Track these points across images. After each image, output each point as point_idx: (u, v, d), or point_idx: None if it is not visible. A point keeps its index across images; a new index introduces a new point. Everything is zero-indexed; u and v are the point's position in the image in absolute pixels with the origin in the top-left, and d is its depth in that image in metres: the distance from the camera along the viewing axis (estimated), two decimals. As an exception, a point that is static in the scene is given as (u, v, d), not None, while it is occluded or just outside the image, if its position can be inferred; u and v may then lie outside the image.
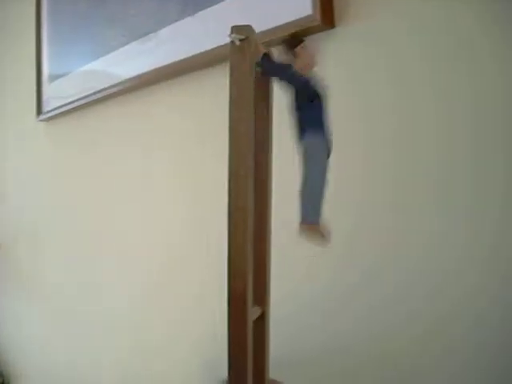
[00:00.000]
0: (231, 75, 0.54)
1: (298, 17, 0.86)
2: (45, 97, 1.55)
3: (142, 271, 1.21)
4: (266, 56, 0.60)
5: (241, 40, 0.54)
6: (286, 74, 0.59)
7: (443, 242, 0.71)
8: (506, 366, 0.66)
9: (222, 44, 0.97)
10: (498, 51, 0.67)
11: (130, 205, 1.26)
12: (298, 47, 0.59)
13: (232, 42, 0.55)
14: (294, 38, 0.61)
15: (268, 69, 0.61)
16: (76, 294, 1.43)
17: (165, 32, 1.12)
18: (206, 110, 1.06)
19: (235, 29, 0.55)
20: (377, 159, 0.79)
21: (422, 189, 0.74)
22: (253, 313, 0.55)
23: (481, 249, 0.68)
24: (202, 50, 1.02)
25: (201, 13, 1.04)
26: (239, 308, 0.51)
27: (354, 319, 0.80)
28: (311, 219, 0.55)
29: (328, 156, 0.58)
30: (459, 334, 0.70)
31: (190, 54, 1.04)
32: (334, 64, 0.85)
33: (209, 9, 1.02)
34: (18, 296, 1.74)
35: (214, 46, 0.99)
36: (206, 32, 1.03)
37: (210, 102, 1.05)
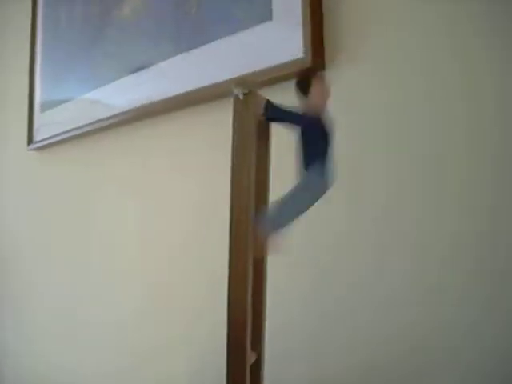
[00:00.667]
0: (234, 128, 0.57)
1: (289, 59, 0.89)
2: (36, 126, 1.56)
3: (142, 285, 1.21)
4: (269, 103, 0.62)
5: (244, 94, 0.56)
6: (292, 118, 0.61)
7: (430, 256, 0.74)
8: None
9: (214, 82, 1.01)
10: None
11: (128, 227, 1.27)
12: (313, 81, 0.60)
13: (236, 95, 0.57)
14: (305, 75, 0.62)
15: (273, 116, 0.62)
16: (72, 307, 1.42)
17: (159, 67, 1.15)
18: (195, 145, 1.08)
19: (238, 82, 0.57)
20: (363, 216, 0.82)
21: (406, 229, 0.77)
22: (249, 358, 0.57)
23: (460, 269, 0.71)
24: (196, 87, 1.05)
25: (195, 50, 1.07)
26: (238, 356, 0.53)
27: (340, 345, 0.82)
28: (270, 227, 0.59)
29: (322, 194, 0.60)
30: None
31: (184, 91, 1.07)
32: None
33: (202, 47, 1.05)
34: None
35: (207, 83, 1.02)
36: (198, 69, 1.06)
37: (201, 138, 1.08)
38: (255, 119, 0.58)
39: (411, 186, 0.77)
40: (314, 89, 0.60)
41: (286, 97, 0.90)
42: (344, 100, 0.85)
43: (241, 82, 0.58)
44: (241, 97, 0.57)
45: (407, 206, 0.77)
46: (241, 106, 0.57)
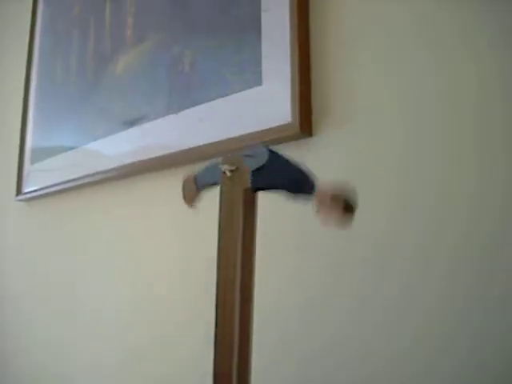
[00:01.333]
0: (222, 202, 0.59)
1: (278, 123, 0.91)
2: (25, 177, 1.57)
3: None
4: (256, 173, 0.62)
5: (231, 171, 0.58)
6: (282, 184, 0.61)
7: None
8: None
9: (202, 144, 1.02)
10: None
11: (116, 280, 1.25)
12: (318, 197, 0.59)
13: (224, 172, 0.59)
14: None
15: (262, 186, 0.62)
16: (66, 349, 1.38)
17: (150, 125, 1.16)
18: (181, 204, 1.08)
19: (226, 160, 0.59)
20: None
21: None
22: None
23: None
24: (185, 148, 1.06)
25: (186, 111, 1.08)
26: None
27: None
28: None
29: None
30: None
31: (173, 150, 1.08)
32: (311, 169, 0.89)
33: (193, 108, 1.07)
34: None
35: (196, 145, 1.04)
36: (189, 129, 1.07)
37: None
38: (241, 193, 0.59)
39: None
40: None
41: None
42: (330, 164, 0.86)
43: (228, 159, 0.59)
44: (228, 174, 0.58)
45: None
46: (227, 181, 0.59)
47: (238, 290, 0.58)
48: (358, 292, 0.80)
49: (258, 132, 0.93)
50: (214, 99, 1.03)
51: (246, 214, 0.60)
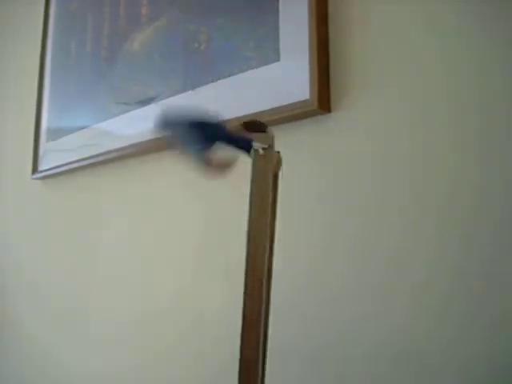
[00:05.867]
0: (254, 180, 0.59)
1: (295, 100, 0.90)
2: (41, 155, 1.57)
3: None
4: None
5: (264, 149, 0.59)
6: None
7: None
8: None
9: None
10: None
11: (131, 259, 1.26)
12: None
13: (256, 150, 0.60)
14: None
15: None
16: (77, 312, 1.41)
17: (166, 102, 1.16)
18: (199, 180, 1.09)
19: (258, 137, 0.60)
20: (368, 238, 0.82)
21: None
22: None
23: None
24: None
25: (202, 87, 1.08)
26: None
27: None
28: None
29: None
30: None
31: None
32: (327, 147, 0.89)
33: (210, 84, 1.06)
34: None
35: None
36: (205, 106, 1.06)
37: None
38: (272, 172, 0.61)
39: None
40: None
41: (291, 137, 0.92)
42: (348, 141, 0.86)
43: (260, 137, 0.60)
44: (261, 152, 0.59)
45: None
46: (260, 160, 0.60)
47: (267, 265, 0.60)
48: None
49: (275, 108, 0.92)
50: (230, 76, 1.02)
51: (275, 193, 0.63)
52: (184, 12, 1.15)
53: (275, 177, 0.64)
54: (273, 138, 0.61)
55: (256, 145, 0.60)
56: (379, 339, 0.78)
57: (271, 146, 0.60)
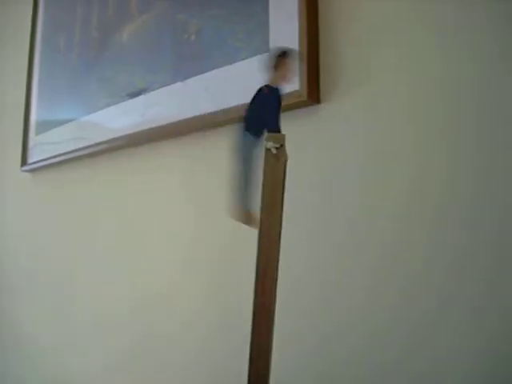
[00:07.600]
0: (265, 180, 0.59)
1: (285, 91, 0.90)
2: (30, 147, 1.56)
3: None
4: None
5: (276, 148, 0.59)
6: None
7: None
8: None
9: (210, 112, 1.01)
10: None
11: (122, 254, 1.26)
12: (280, 59, 0.63)
13: (268, 149, 0.59)
14: (281, 52, 0.64)
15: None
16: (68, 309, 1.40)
17: (155, 94, 1.15)
18: (189, 172, 1.08)
19: (271, 136, 0.59)
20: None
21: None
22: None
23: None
24: (190, 116, 1.05)
25: (192, 78, 1.07)
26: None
27: None
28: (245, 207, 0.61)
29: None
30: None
31: (178, 119, 1.07)
32: (316, 139, 0.88)
33: (200, 76, 1.06)
34: None
35: (202, 112, 1.03)
36: (194, 98, 1.06)
37: (195, 165, 1.08)
38: (284, 172, 0.60)
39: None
40: (279, 69, 0.63)
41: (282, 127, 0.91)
42: (338, 132, 0.86)
43: (273, 136, 0.59)
44: (274, 151, 0.58)
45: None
46: (272, 160, 0.59)
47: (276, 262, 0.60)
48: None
49: (264, 99, 0.92)
50: (220, 67, 1.02)
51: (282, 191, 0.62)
52: (174, 3, 1.14)
53: (284, 174, 0.64)
54: (284, 137, 0.60)
55: (269, 144, 0.59)
56: (374, 337, 0.78)
57: (283, 146, 0.60)
